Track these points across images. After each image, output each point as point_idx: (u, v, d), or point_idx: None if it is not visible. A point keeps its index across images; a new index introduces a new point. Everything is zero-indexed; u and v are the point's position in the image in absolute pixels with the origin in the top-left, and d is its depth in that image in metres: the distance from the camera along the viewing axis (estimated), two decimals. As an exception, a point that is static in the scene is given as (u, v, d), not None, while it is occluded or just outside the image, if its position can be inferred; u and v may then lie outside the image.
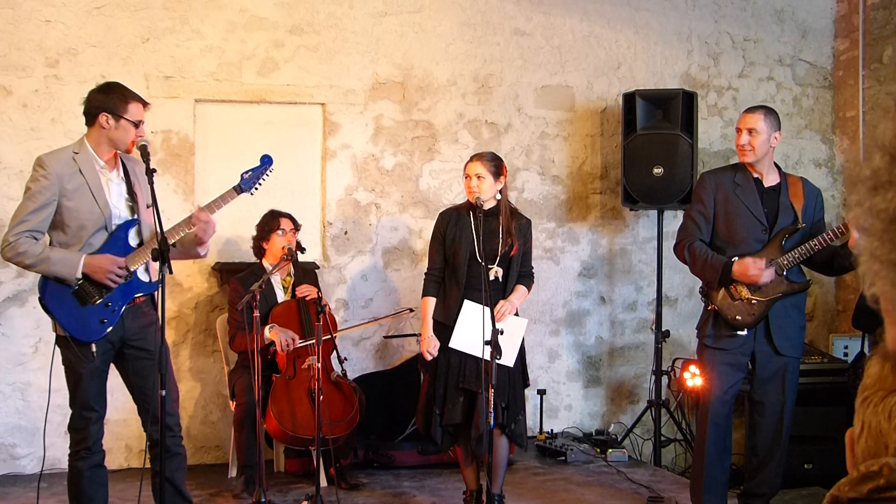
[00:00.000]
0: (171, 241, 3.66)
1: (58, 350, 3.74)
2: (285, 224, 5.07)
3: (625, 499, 4.98)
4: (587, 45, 6.45)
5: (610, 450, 5.85)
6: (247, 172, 4.03)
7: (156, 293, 3.82)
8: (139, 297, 3.79)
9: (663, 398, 5.98)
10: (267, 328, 4.87)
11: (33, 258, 3.59)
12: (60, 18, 5.49)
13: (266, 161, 4.07)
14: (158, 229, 3.50)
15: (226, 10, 5.76)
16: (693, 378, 5.76)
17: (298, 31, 5.88)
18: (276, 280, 5.15)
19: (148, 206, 3.76)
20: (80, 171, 3.64)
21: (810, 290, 4.58)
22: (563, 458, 5.77)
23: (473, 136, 6.22)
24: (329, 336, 4.68)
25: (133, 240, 3.77)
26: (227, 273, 5.55)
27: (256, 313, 4.31)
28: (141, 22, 5.61)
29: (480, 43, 6.23)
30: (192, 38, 5.70)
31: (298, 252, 4.92)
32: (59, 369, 3.77)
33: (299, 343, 4.87)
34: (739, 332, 4.22)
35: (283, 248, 4.91)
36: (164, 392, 3.46)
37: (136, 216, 3.77)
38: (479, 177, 4.34)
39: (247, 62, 5.80)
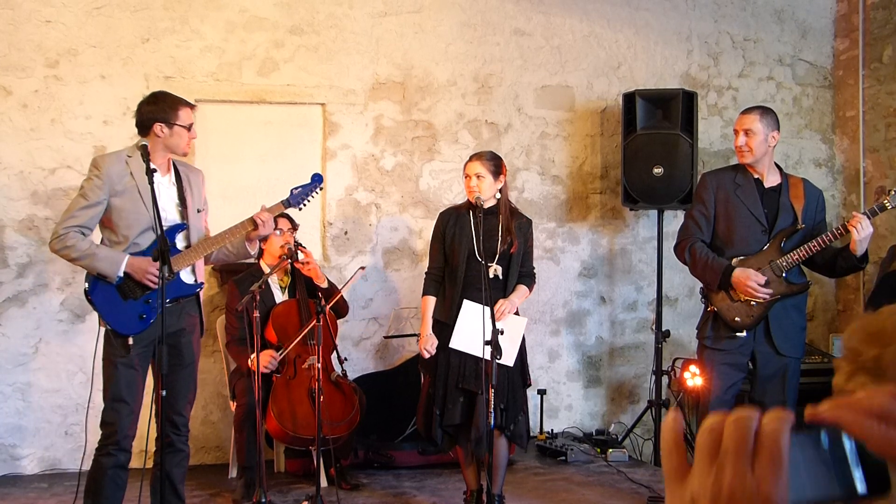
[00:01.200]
0: (227, 242, 3.93)
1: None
2: (283, 224, 5.06)
3: (625, 499, 4.98)
4: (587, 44, 6.45)
5: (610, 450, 5.85)
6: (297, 188, 4.17)
7: (199, 294, 4.04)
8: (181, 298, 3.92)
9: (663, 398, 5.98)
10: (248, 361, 4.81)
11: (79, 252, 3.75)
12: (60, 19, 5.49)
13: (316, 179, 4.22)
14: (158, 229, 3.56)
15: (226, 11, 5.76)
16: (693, 378, 5.76)
17: (298, 32, 5.88)
18: (274, 280, 5.14)
19: (199, 211, 3.96)
20: (132, 173, 3.79)
21: (810, 290, 4.58)
22: (564, 458, 5.77)
23: (473, 136, 6.22)
24: (322, 307, 4.53)
25: (180, 243, 3.91)
26: (226, 274, 5.55)
27: (256, 313, 4.31)
28: (141, 22, 5.61)
29: (480, 43, 6.23)
30: (191, 38, 5.70)
31: (298, 251, 4.92)
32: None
33: (279, 356, 4.85)
34: (739, 334, 4.23)
35: (282, 246, 4.91)
36: (164, 392, 3.52)
37: (185, 221, 3.90)
38: (478, 176, 4.35)
39: (247, 62, 5.80)
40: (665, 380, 6.08)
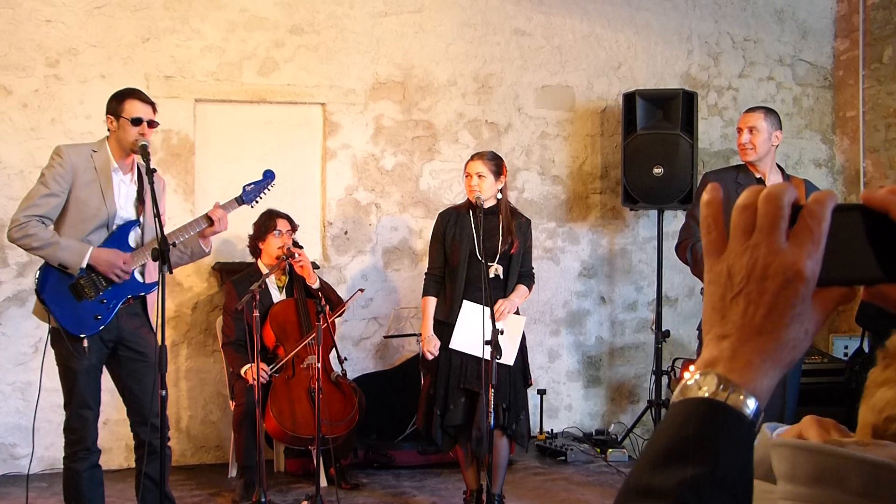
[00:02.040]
0: (183, 238, 3.82)
1: (50, 350, 3.76)
2: (282, 225, 5.06)
3: (625, 499, 4.97)
4: (587, 44, 6.45)
5: (610, 450, 5.85)
6: (249, 185, 4.13)
7: (154, 294, 3.88)
8: (131, 298, 3.84)
9: (663, 398, 5.97)
10: (241, 370, 4.85)
11: (41, 241, 3.63)
12: (60, 18, 5.49)
13: (268, 176, 4.19)
14: (159, 230, 3.52)
15: (226, 10, 5.76)
16: (693, 378, 5.76)
17: (299, 31, 5.88)
18: (271, 280, 5.13)
19: (155, 215, 3.82)
20: (95, 167, 3.74)
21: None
22: (564, 458, 5.77)
23: (473, 136, 6.22)
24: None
25: (133, 241, 3.83)
26: (226, 273, 5.55)
27: (256, 313, 4.31)
28: (141, 22, 5.61)
29: (480, 43, 6.23)
30: (192, 37, 5.70)
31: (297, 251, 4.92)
32: (53, 367, 3.78)
33: (270, 370, 4.83)
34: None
35: (280, 247, 4.90)
36: (164, 392, 3.49)
37: (139, 218, 3.83)
38: (479, 175, 4.35)
39: (247, 62, 5.80)
40: (665, 380, 6.07)
